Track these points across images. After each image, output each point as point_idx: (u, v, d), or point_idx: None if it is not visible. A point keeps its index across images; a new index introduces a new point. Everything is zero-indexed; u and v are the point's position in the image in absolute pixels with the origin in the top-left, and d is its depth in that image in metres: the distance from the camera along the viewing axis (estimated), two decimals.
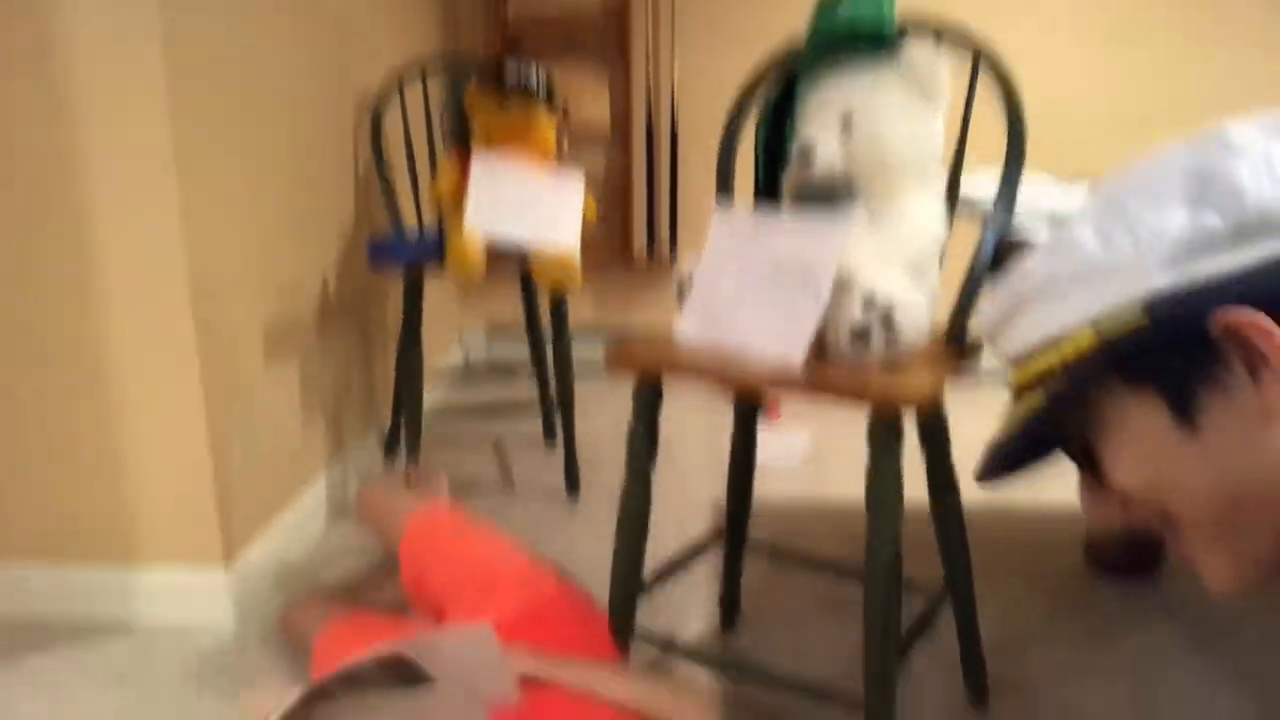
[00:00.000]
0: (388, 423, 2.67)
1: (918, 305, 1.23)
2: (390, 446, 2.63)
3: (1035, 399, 0.60)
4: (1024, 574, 1.98)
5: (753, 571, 1.93)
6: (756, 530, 2.16)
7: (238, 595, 1.78)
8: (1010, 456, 0.64)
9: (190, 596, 1.76)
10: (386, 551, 1.74)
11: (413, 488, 2.05)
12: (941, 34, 1.40)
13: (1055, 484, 2.51)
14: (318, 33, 2.20)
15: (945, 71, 1.31)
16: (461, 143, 2.55)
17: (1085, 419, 0.60)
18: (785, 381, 1.21)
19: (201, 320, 1.67)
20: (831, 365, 1.23)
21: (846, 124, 1.34)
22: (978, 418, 2.97)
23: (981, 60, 1.37)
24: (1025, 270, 0.62)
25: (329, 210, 2.30)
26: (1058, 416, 0.60)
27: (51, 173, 1.61)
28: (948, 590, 1.46)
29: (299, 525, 2.07)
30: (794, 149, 1.37)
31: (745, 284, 1.32)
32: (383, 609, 1.72)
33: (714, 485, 2.44)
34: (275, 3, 1.96)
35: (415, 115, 2.59)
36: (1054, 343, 0.59)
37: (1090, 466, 0.62)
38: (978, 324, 0.69)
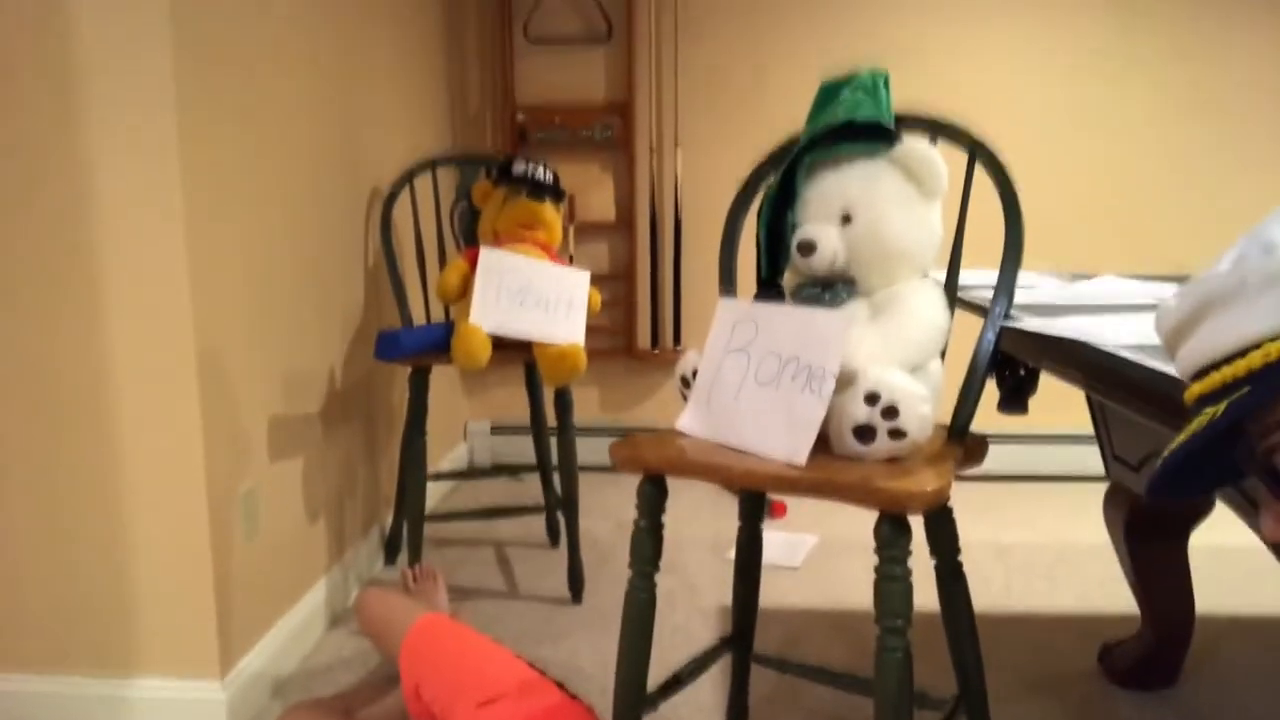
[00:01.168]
0: (389, 523, 2.62)
1: (921, 399, 1.21)
2: (392, 548, 2.58)
3: (1214, 410, 0.54)
4: (1039, 684, 1.90)
5: (761, 682, 1.86)
6: (764, 635, 2.10)
7: (233, 707, 1.72)
8: (1183, 469, 0.59)
9: (186, 709, 1.70)
10: (387, 661, 1.69)
11: (412, 588, 2.00)
12: (939, 129, 1.41)
13: (1066, 590, 2.45)
14: (331, 126, 2.24)
15: (943, 167, 1.32)
16: (470, 236, 2.58)
17: (1271, 434, 0.54)
18: (789, 482, 1.18)
19: (209, 421, 1.66)
20: (835, 462, 1.20)
21: (846, 217, 1.34)
22: (984, 513, 2.93)
23: (978, 155, 1.37)
24: (1213, 274, 0.56)
25: (338, 301, 2.31)
26: (1237, 428, 0.55)
27: (67, 264, 1.62)
28: (961, 700, 1.39)
29: (297, 633, 2.01)
30: (794, 243, 1.36)
31: (748, 380, 1.30)
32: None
33: (721, 590, 2.38)
34: (291, 96, 2.00)
35: (425, 209, 2.62)
36: (1241, 352, 0.54)
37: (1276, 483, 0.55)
38: (1158, 327, 0.62)
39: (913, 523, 1.17)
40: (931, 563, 1.38)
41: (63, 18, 1.55)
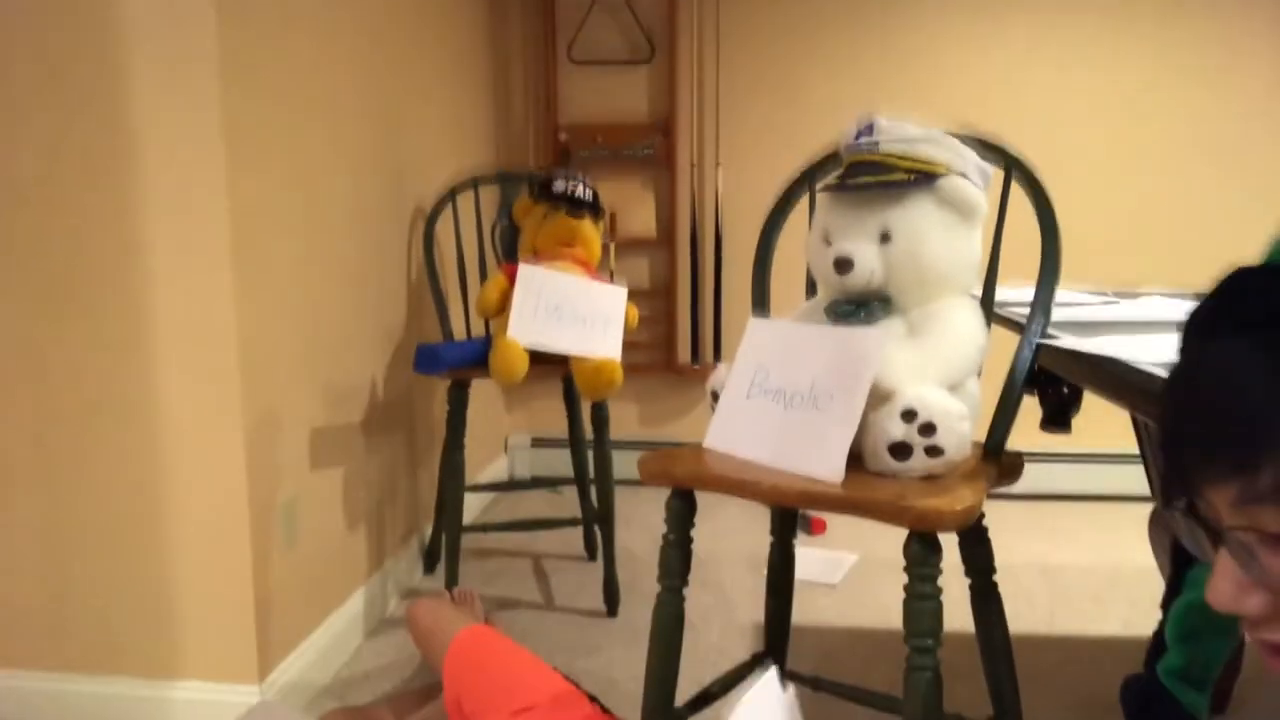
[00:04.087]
0: (429, 532, 2.65)
1: (959, 417, 1.20)
2: (431, 557, 2.61)
3: None
4: (1082, 709, 1.86)
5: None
6: (801, 652, 2.08)
7: None
8: None
9: (225, 712, 1.74)
10: (432, 670, 1.71)
11: (456, 607, 2.03)
12: (976, 146, 1.40)
13: (1113, 614, 2.39)
14: (378, 145, 2.29)
15: (982, 201, 1.31)
16: (510, 252, 2.61)
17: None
18: (818, 498, 1.17)
19: (252, 431, 1.70)
20: (868, 479, 1.19)
21: (885, 236, 1.33)
22: (1031, 533, 2.88)
23: (1014, 171, 1.36)
24: None
25: (381, 314, 2.35)
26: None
27: (113, 274, 1.67)
28: None
29: (336, 640, 2.04)
30: (830, 259, 1.36)
31: (780, 397, 1.30)
32: None
33: (758, 607, 2.36)
34: (338, 110, 2.05)
35: (467, 225, 2.65)
36: None
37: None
38: None
39: (948, 541, 1.16)
40: (967, 582, 1.37)
41: (113, 39, 1.61)
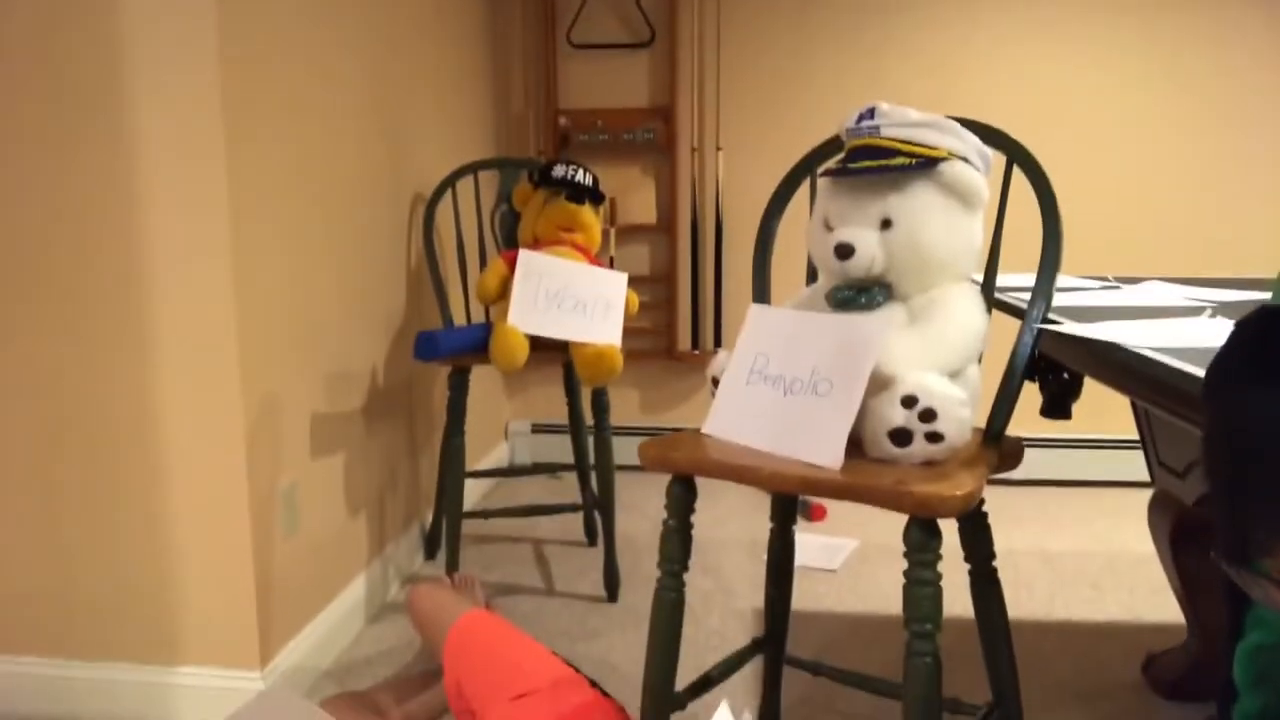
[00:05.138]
0: (430, 519, 2.66)
1: (959, 403, 1.20)
2: (432, 543, 2.61)
3: None
4: (1081, 695, 1.87)
5: (795, 685, 1.85)
6: (801, 638, 2.09)
7: None
8: None
9: (226, 698, 1.74)
10: (433, 656, 1.72)
11: (457, 592, 2.04)
12: (978, 133, 1.39)
13: (1112, 599, 2.40)
14: (376, 131, 2.28)
15: (984, 186, 1.30)
16: (510, 239, 2.61)
17: None
18: (817, 484, 1.17)
19: (252, 419, 1.70)
20: (868, 465, 1.19)
21: (886, 222, 1.33)
22: (1031, 520, 2.88)
23: (1015, 158, 1.35)
24: None
25: (381, 302, 2.34)
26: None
27: (114, 263, 1.67)
28: (995, 709, 1.38)
29: (337, 625, 2.05)
30: (831, 245, 1.36)
31: (780, 383, 1.30)
32: (424, 715, 1.70)
33: (758, 593, 2.37)
34: (335, 101, 2.04)
35: (466, 212, 2.65)
36: None
37: None
38: None
39: (947, 527, 1.16)
40: (967, 568, 1.37)
41: (111, 28, 1.60)
